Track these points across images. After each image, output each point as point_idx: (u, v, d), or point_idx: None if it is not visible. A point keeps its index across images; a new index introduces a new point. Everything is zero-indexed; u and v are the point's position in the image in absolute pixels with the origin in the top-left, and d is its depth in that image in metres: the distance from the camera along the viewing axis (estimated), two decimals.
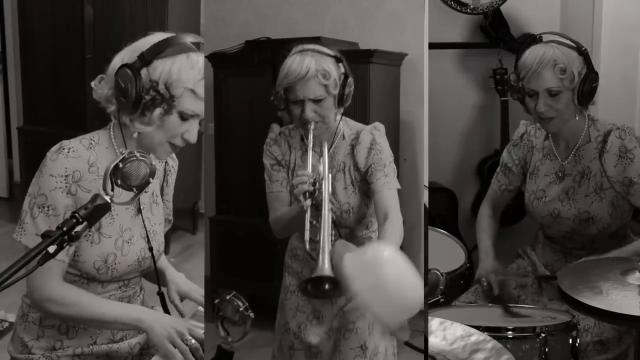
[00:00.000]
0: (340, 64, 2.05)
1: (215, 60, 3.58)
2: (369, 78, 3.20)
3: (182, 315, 1.98)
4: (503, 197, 2.63)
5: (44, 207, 1.71)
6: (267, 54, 3.26)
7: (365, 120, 2.86)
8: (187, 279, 2.06)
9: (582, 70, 2.27)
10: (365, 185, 2.12)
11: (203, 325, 1.95)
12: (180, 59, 1.71)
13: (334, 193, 2.08)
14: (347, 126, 2.15)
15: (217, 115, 3.68)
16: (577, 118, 2.33)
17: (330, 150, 2.10)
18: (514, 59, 2.39)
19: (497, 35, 3.46)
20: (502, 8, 3.42)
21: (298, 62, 2.00)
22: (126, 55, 1.73)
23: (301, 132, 2.14)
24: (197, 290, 2.02)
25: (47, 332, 1.84)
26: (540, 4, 3.55)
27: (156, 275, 1.94)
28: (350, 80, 2.06)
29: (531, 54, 2.29)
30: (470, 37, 3.59)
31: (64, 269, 1.76)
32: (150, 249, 1.88)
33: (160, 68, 1.69)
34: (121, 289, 1.88)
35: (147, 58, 1.69)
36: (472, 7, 3.41)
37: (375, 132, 2.13)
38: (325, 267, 1.80)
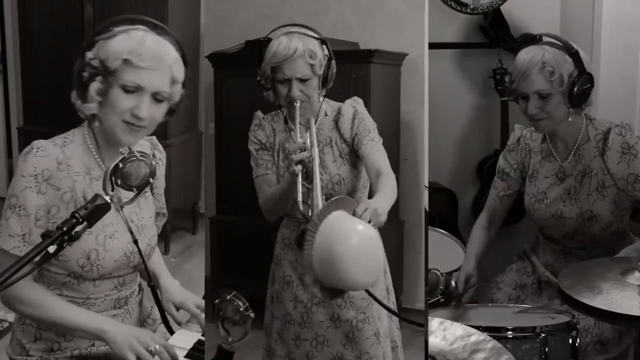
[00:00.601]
0: (324, 46, 2.11)
1: (216, 60, 3.58)
2: (369, 78, 3.20)
3: (178, 323, 1.97)
4: (502, 204, 2.60)
5: (15, 208, 1.71)
6: None
7: None
8: (182, 287, 2.04)
9: (572, 72, 2.25)
10: (353, 157, 2.17)
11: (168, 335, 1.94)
12: (120, 36, 1.73)
13: (324, 166, 2.14)
14: (328, 105, 2.21)
15: (217, 115, 3.68)
16: (570, 119, 2.33)
17: (315, 127, 2.15)
18: (513, 59, 2.39)
19: (497, 35, 3.45)
20: (502, 8, 3.42)
21: (285, 44, 2.05)
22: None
23: (285, 113, 2.20)
24: (192, 300, 1.99)
25: (44, 335, 1.84)
26: (540, 4, 3.55)
27: (146, 270, 1.92)
28: (333, 63, 2.13)
29: (522, 56, 2.29)
30: (470, 37, 3.59)
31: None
32: (135, 242, 1.85)
33: (99, 46, 1.72)
34: (117, 288, 1.87)
35: (90, 42, 1.73)
36: (472, 7, 3.41)
37: (356, 104, 2.20)
38: None
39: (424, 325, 1.93)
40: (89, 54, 1.72)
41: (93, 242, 1.77)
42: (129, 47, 1.70)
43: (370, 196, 2.21)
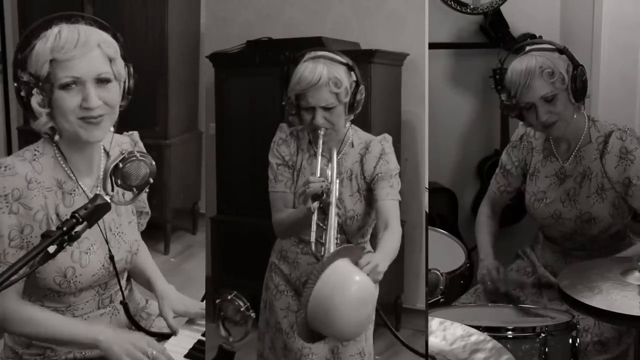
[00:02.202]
0: (352, 72, 2.07)
1: (217, 60, 3.58)
2: (370, 78, 3.20)
3: (174, 332, 1.91)
4: (502, 198, 2.63)
5: None
6: (269, 54, 3.27)
7: (367, 121, 2.85)
8: (179, 293, 1.99)
9: (568, 68, 2.27)
10: (370, 195, 2.14)
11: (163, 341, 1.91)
12: (38, 43, 1.66)
13: (340, 199, 2.11)
14: (357, 135, 2.17)
15: (218, 115, 3.68)
16: (575, 116, 2.33)
17: (339, 157, 2.12)
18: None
19: (497, 35, 3.45)
20: (502, 8, 3.42)
21: (310, 70, 2.02)
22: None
23: (310, 135, 2.16)
24: (194, 306, 1.96)
25: (35, 342, 1.82)
26: (540, 4, 3.55)
27: (117, 281, 1.86)
28: (362, 88, 2.09)
29: (515, 70, 2.29)
30: (470, 37, 3.59)
31: (20, 286, 1.72)
32: (111, 258, 1.81)
33: (27, 62, 1.67)
34: (98, 293, 1.84)
35: (17, 62, 1.68)
36: (472, 7, 3.42)
37: (385, 143, 2.16)
38: None
39: (424, 355, 1.93)
40: (21, 74, 1.67)
41: (68, 259, 1.72)
42: (48, 47, 1.64)
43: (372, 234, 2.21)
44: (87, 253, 1.75)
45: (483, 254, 2.56)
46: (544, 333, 2.05)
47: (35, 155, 1.73)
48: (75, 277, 1.73)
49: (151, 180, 1.64)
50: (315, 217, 1.93)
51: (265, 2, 3.86)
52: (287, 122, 2.19)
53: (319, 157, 2.03)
